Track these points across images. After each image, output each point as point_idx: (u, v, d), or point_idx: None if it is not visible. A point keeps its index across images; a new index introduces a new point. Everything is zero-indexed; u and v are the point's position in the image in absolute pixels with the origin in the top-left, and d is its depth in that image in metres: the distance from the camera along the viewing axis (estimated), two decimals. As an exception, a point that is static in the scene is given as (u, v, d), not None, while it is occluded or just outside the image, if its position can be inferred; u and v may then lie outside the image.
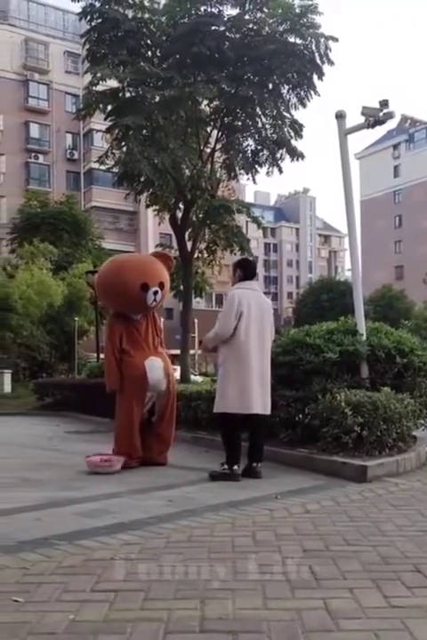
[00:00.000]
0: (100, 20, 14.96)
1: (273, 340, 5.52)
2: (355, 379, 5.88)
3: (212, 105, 16.17)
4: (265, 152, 16.43)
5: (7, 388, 22.07)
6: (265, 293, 5.99)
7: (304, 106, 15.58)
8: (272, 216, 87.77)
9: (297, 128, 15.80)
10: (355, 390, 5.48)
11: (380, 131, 66.22)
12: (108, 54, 15.16)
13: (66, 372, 24.41)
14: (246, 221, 21.01)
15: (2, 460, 6.56)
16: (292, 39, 14.84)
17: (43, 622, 2.15)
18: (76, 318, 24.36)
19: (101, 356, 16.31)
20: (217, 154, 16.83)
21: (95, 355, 19.55)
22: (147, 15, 15.24)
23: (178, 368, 15.43)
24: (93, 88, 15.50)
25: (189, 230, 16.61)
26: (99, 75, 14.73)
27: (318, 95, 15.45)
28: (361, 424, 5.11)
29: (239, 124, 16.28)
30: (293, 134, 15.91)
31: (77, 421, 11.74)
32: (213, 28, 14.78)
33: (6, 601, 2.35)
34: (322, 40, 14.67)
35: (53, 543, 3.13)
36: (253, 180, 17.08)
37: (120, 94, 15.48)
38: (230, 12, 15.25)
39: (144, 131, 15.13)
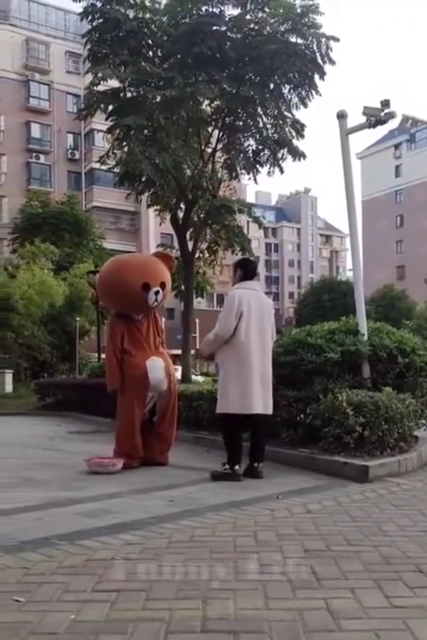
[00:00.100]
0: (101, 20, 14.97)
1: (274, 341, 5.52)
2: (356, 379, 5.88)
3: (213, 105, 16.16)
4: (266, 152, 16.42)
5: (8, 387, 22.10)
6: (266, 293, 6.00)
7: (305, 106, 15.58)
8: (273, 216, 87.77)
9: (298, 128, 15.80)
10: (356, 390, 5.48)
11: (381, 131, 66.35)
12: (109, 54, 15.17)
13: (67, 372, 24.42)
14: (248, 221, 21.01)
15: (3, 459, 6.57)
16: (293, 39, 14.84)
17: (44, 622, 2.15)
18: (78, 318, 24.37)
19: (102, 355, 16.34)
20: (218, 154, 16.83)
21: (96, 355, 19.56)
22: (148, 15, 15.24)
23: (179, 368, 15.45)
24: (94, 88, 15.51)
25: (191, 230, 16.61)
26: (100, 75, 14.74)
27: (320, 95, 15.45)
28: (363, 424, 5.10)
29: (240, 123, 16.28)
30: (294, 134, 15.91)
31: (79, 421, 11.75)
32: (215, 27, 14.78)
33: (7, 601, 2.35)
34: (323, 40, 14.67)
35: (55, 543, 3.13)
36: (255, 179, 17.09)
37: (121, 94, 15.48)
38: (232, 11, 15.28)
39: (145, 131, 15.14)
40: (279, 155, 16.33)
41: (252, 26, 15.08)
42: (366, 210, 67.26)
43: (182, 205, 16.49)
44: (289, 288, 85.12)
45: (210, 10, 15.09)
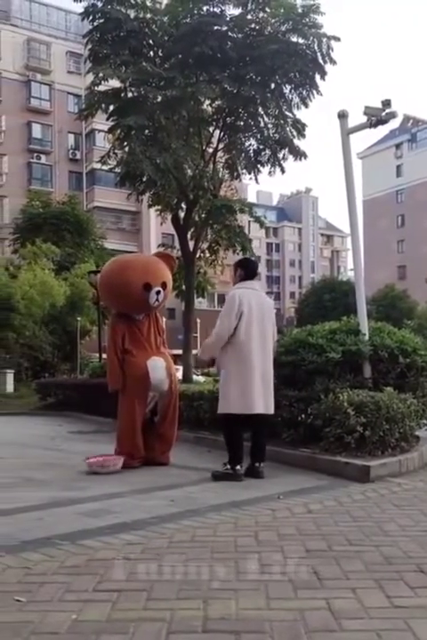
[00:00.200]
0: (102, 20, 14.95)
1: (276, 340, 5.52)
2: (358, 379, 5.88)
3: (214, 105, 16.14)
4: (267, 152, 16.39)
5: (10, 387, 22.12)
6: (268, 293, 6.00)
7: (306, 105, 15.54)
8: (275, 216, 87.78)
9: (299, 127, 15.78)
10: (358, 390, 5.48)
11: (382, 130, 66.40)
12: (110, 54, 15.16)
13: (68, 372, 24.42)
14: (249, 221, 21.03)
15: (4, 459, 6.57)
16: (294, 39, 14.81)
17: (45, 622, 2.15)
18: (79, 318, 24.37)
19: (104, 355, 16.35)
20: (219, 154, 16.81)
21: (97, 355, 19.56)
22: (149, 15, 15.22)
23: (180, 368, 15.45)
24: (95, 88, 15.49)
25: (192, 230, 16.60)
26: (101, 75, 14.72)
27: (321, 95, 15.41)
28: (364, 424, 5.10)
29: (241, 123, 16.26)
30: (295, 134, 15.88)
31: (80, 421, 11.75)
32: (216, 27, 14.76)
33: (9, 601, 2.35)
34: (324, 40, 14.64)
35: (56, 543, 3.14)
36: (256, 179, 17.06)
37: (122, 94, 15.47)
38: (233, 11, 15.24)
39: (146, 131, 15.13)
40: (280, 154, 16.30)
41: (253, 26, 15.06)
42: (368, 210, 67.21)
43: (183, 205, 16.47)
44: (290, 288, 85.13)
45: (211, 10, 15.07)
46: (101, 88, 15.50)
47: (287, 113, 15.69)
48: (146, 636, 2.03)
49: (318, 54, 14.73)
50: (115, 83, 15.45)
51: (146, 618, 2.16)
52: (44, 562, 2.84)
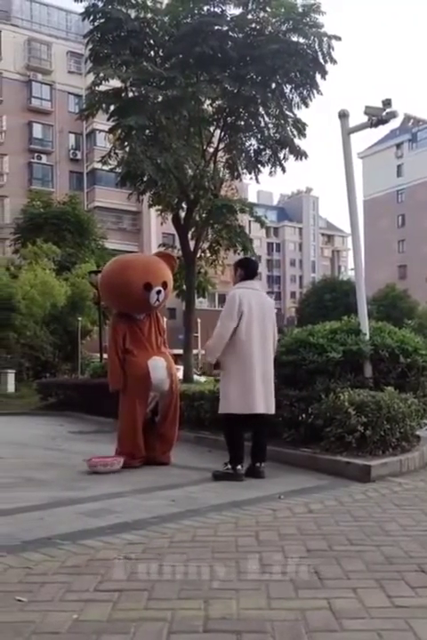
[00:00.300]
0: (102, 20, 14.95)
1: (277, 340, 5.52)
2: (358, 378, 5.88)
3: (214, 105, 16.14)
4: (268, 151, 16.38)
5: (11, 387, 22.13)
6: (268, 293, 5.99)
7: (307, 105, 15.53)
8: (275, 216, 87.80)
9: (300, 127, 15.76)
10: (358, 390, 5.48)
11: (383, 130, 66.36)
12: (110, 54, 15.15)
13: (69, 371, 24.42)
14: (249, 221, 21.03)
15: (5, 459, 6.58)
16: (295, 38, 14.80)
17: (46, 622, 2.15)
18: (80, 318, 24.37)
19: (105, 355, 16.35)
20: (220, 153, 16.80)
21: (98, 355, 19.56)
22: (150, 15, 15.22)
23: (181, 368, 15.44)
24: (96, 88, 15.49)
25: (192, 230, 16.59)
26: (102, 75, 14.73)
27: (321, 94, 15.40)
28: (365, 424, 5.10)
29: (242, 123, 16.26)
30: (296, 133, 15.86)
31: (81, 421, 11.75)
32: (216, 27, 14.75)
33: (10, 600, 2.35)
34: (325, 39, 14.63)
35: (57, 543, 3.14)
36: (256, 179, 17.05)
37: (123, 94, 15.46)
38: (233, 11, 15.22)
39: (147, 131, 15.13)
40: (281, 154, 16.29)
41: (253, 25, 15.05)
42: (368, 209, 67.15)
43: (184, 205, 16.47)
44: (291, 287, 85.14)
45: (211, 10, 15.06)
46: (102, 88, 15.50)
47: (288, 113, 15.68)
48: (147, 635, 2.03)
49: (319, 54, 14.72)
50: (115, 83, 15.45)
51: (147, 618, 2.16)
52: (44, 562, 2.84)
